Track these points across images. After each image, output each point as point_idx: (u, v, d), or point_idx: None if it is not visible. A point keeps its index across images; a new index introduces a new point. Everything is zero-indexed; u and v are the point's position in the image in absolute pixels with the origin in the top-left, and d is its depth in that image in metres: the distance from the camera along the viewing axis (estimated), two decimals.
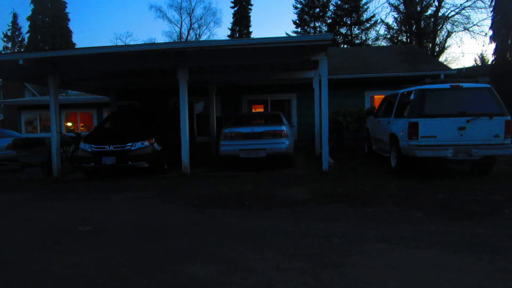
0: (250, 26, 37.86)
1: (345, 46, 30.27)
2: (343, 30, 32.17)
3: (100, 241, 3.88)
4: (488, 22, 33.26)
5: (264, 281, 2.75)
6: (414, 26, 25.99)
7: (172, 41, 35.18)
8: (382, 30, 47.21)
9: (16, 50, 39.33)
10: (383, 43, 30.07)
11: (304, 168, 8.36)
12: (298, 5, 33.17)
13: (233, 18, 37.59)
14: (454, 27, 25.74)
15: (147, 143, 8.06)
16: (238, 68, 10.68)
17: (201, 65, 9.43)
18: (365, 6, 31.10)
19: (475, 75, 21.76)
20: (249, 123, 9.11)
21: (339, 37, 31.62)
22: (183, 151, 8.09)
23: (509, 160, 7.80)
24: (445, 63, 23.09)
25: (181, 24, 41.81)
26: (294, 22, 33.42)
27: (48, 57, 8.43)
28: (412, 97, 6.94)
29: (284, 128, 8.27)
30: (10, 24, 41.18)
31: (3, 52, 35.77)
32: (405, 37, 29.07)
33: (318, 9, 32.75)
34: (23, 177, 8.56)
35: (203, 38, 38.82)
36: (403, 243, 3.46)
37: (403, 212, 4.58)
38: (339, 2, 31.75)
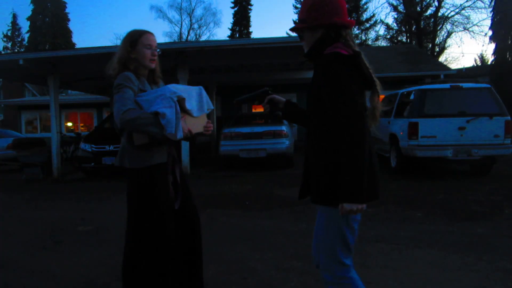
0: (250, 26, 37.85)
1: None
2: None
3: (100, 241, 3.88)
4: (488, 22, 33.26)
5: (264, 281, 2.75)
6: (414, 26, 26.00)
7: (172, 41, 35.18)
8: (382, 30, 47.22)
9: (16, 50, 39.29)
10: (383, 43, 30.08)
11: None
12: (298, 5, 33.14)
13: (233, 18, 37.58)
14: (454, 27, 25.79)
15: None
16: (238, 68, 10.68)
17: (201, 65, 9.44)
18: (365, 6, 31.09)
19: (475, 75, 21.76)
20: (249, 123, 9.12)
21: None
22: (183, 151, 8.09)
23: (509, 160, 7.80)
24: (445, 63, 23.10)
25: (181, 24, 41.75)
26: (294, 22, 33.41)
27: (48, 57, 8.44)
28: (412, 97, 6.94)
29: (284, 128, 8.27)
30: (10, 25, 41.16)
31: (3, 52, 35.74)
32: (405, 37, 29.08)
33: None
34: (23, 177, 8.56)
35: (203, 38, 38.83)
36: (403, 243, 3.45)
37: (403, 212, 4.58)
38: None
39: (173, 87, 1.96)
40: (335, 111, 1.47)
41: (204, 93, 2.21)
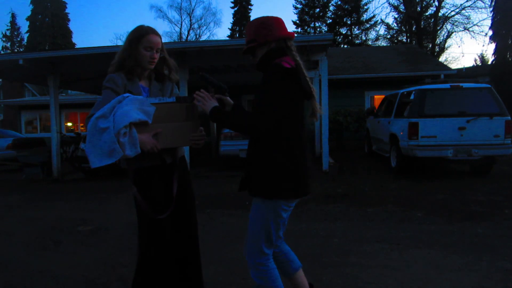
0: None
1: (345, 46, 30.27)
2: (343, 30, 32.16)
3: (100, 241, 3.88)
4: (488, 22, 33.32)
5: None
6: (414, 26, 25.99)
7: (172, 41, 35.17)
8: (382, 30, 47.24)
9: (15, 50, 39.27)
10: (383, 43, 30.09)
11: None
12: (298, 5, 33.16)
13: (233, 18, 37.57)
14: (454, 27, 25.79)
15: None
16: (238, 68, 10.67)
17: (201, 65, 9.42)
18: (365, 7, 31.11)
19: (475, 75, 21.75)
20: None
21: (339, 37, 31.60)
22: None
23: (509, 160, 7.80)
24: (445, 63, 23.06)
25: (181, 24, 41.94)
26: (294, 22, 33.42)
27: (47, 57, 8.43)
28: (412, 97, 6.94)
29: None
30: (9, 24, 41.15)
31: (2, 52, 35.72)
32: (405, 37, 29.08)
33: (318, 9, 32.72)
34: (23, 177, 8.56)
35: (203, 38, 38.85)
36: (403, 243, 3.45)
37: (403, 212, 4.58)
38: (339, 2, 31.73)
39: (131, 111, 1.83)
40: (253, 112, 1.71)
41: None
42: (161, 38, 2.06)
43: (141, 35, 1.99)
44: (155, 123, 1.89)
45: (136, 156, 1.86)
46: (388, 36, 30.27)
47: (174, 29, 60.89)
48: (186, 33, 39.49)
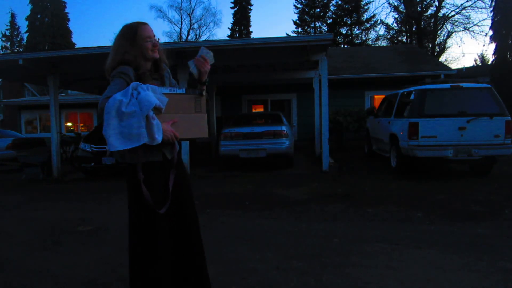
0: (250, 26, 37.83)
1: (345, 46, 30.27)
2: (343, 30, 32.16)
3: (100, 241, 3.88)
4: (488, 22, 33.32)
5: (264, 281, 2.75)
6: (414, 26, 25.99)
7: (172, 41, 35.15)
8: (382, 30, 47.23)
9: (15, 50, 39.24)
10: (383, 43, 30.08)
11: (304, 168, 8.35)
12: (299, 5, 33.18)
13: (233, 18, 37.57)
14: (454, 27, 25.80)
15: None
16: (238, 68, 10.67)
17: None
18: (366, 7, 31.11)
19: (475, 75, 21.73)
20: (249, 123, 9.11)
21: (339, 37, 31.61)
22: (183, 151, 8.08)
23: (509, 160, 7.80)
24: (445, 63, 23.07)
25: (181, 25, 41.77)
26: (294, 22, 33.43)
27: (47, 57, 8.43)
28: (412, 97, 6.94)
29: (284, 128, 8.26)
30: (9, 24, 41.11)
31: (2, 52, 35.71)
32: (405, 37, 29.08)
33: (318, 9, 32.75)
34: (23, 177, 8.55)
35: (203, 38, 38.81)
36: (403, 243, 3.45)
37: (403, 212, 4.58)
38: (339, 2, 31.75)
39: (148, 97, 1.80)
40: None
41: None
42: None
43: (135, 30, 1.99)
44: (166, 113, 1.86)
45: (142, 150, 1.85)
46: (388, 36, 30.28)
47: (174, 29, 60.79)
48: (186, 33, 39.49)
